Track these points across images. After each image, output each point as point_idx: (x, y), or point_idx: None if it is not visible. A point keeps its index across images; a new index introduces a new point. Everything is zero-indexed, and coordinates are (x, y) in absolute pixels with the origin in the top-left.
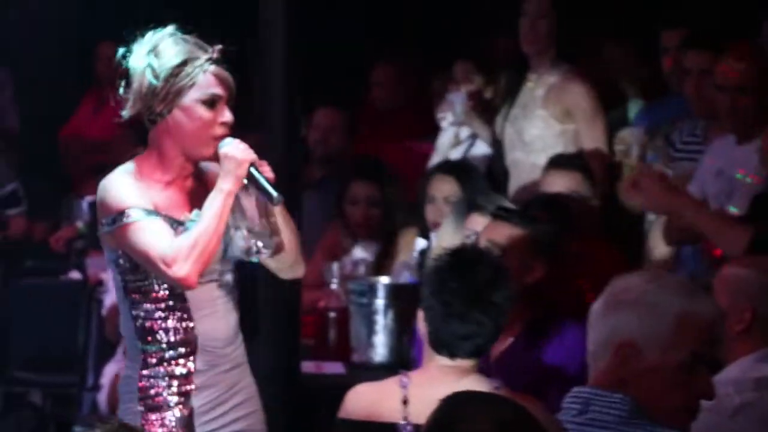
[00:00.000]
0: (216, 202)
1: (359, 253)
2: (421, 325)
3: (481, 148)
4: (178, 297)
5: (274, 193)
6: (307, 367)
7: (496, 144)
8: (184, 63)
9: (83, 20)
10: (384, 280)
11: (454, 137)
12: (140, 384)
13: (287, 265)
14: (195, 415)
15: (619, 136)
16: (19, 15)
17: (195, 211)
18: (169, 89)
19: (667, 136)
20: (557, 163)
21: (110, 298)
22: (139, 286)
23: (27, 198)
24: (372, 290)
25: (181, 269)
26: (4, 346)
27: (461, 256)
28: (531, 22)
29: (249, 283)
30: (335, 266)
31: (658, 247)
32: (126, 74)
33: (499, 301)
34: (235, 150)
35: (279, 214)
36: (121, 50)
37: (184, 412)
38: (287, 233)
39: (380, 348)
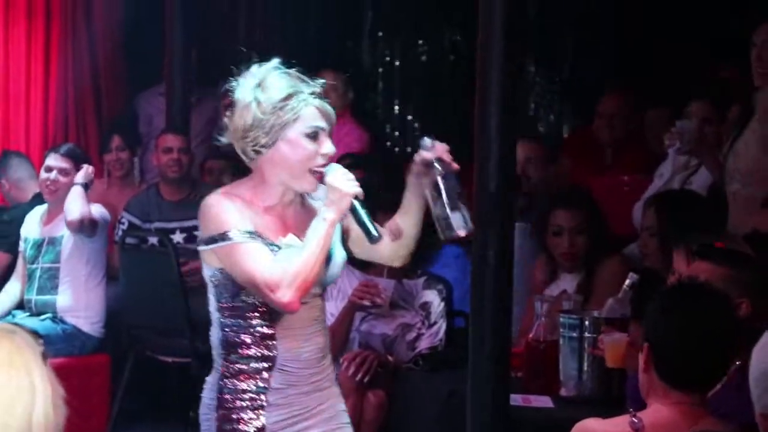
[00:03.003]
0: (319, 231)
1: (561, 284)
2: (647, 360)
3: (703, 178)
4: (265, 316)
5: (374, 232)
6: (515, 399)
7: (722, 175)
8: (288, 97)
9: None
10: (595, 314)
11: (682, 165)
12: (218, 394)
13: (405, 251)
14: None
15: None
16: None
17: (290, 235)
18: (274, 122)
19: None
20: None
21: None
22: (231, 302)
23: None
24: (582, 324)
25: (285, 295)
26: None
27: (686, 290)
28: (758, 51)
29: (455, 313)
30: (543, 297)
31: None
32: (232, 104)
33: (727, 333)
34: (341, 181)
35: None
36: (230, 82)
37: (256, 427)
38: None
39: (589, 383)
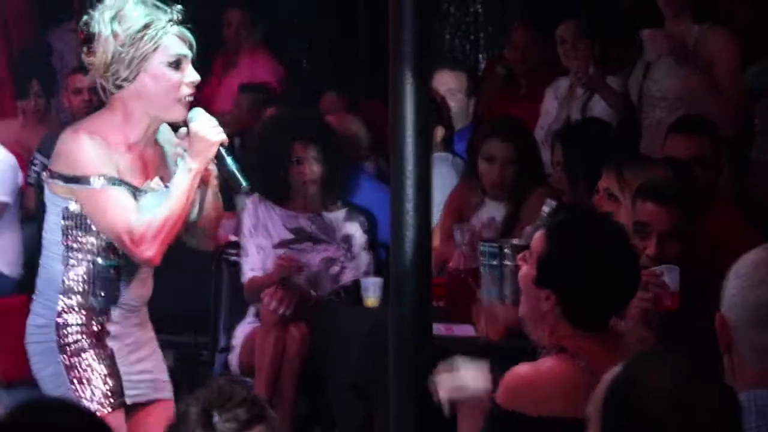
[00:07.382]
0: (184, 182)
1: (488, 212)
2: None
3: (597, 107)
4: (113, 254)
5: (243, 180)
6: (438, 329)
7: (624, 104)
8: (146, 26)
9: None
10: (514, 242)
11: (567, 95)
12: (58, 331)
13: (199, 239)
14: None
15: None
16: None
17: (156, 179)
18: (134, 54)
19: None
20: (681, 126)
21: (248, 263)
22: (79, 237)
23: None
24: (502, 252)
25: (148, 249)
26: None
27: (582, 225)
28: None
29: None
30: (465, 226)
31: None
32: (89, 40)
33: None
34: (207, 129)
35: (211, 187)
36: (84, 17)
37: (104, 352)
38: (211, 208)
39: None
